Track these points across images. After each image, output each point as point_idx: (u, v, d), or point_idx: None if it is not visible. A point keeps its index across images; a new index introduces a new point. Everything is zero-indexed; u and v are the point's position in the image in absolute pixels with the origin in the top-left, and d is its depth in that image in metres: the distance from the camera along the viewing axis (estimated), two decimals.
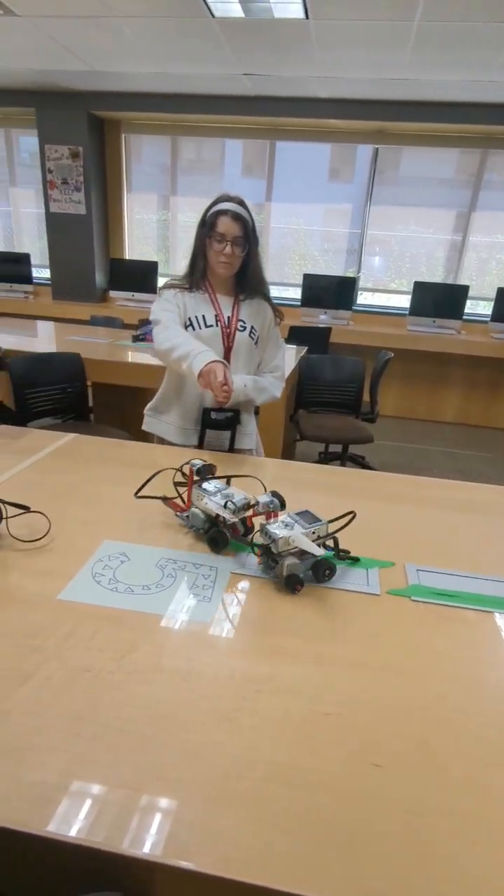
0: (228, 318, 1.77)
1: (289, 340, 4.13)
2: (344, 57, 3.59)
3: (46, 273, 5.74)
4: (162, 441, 1.88)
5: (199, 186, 5.43)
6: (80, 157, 5.12)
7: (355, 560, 1.11)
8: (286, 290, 5.47)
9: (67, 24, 3.42)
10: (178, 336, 1.66)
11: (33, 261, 5.64)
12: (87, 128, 5.05)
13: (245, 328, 1.78)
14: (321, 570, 1.03)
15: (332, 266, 5.47)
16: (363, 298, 5.49)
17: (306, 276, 5.15)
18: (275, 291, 1.91)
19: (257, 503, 1.11)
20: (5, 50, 3.99)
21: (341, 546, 1.11)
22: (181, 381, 1.82)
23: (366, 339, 4.86)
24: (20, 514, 1.15)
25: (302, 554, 1.03)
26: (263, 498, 1.11)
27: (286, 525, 1.05)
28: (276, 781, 0.63)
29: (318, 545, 1.03)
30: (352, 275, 5.36)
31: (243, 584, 1.02)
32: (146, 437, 1.94)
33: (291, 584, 1.00)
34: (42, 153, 5.18)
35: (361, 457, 4.06)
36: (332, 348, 4.72)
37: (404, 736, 0.71)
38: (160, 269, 5.39)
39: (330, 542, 1.10)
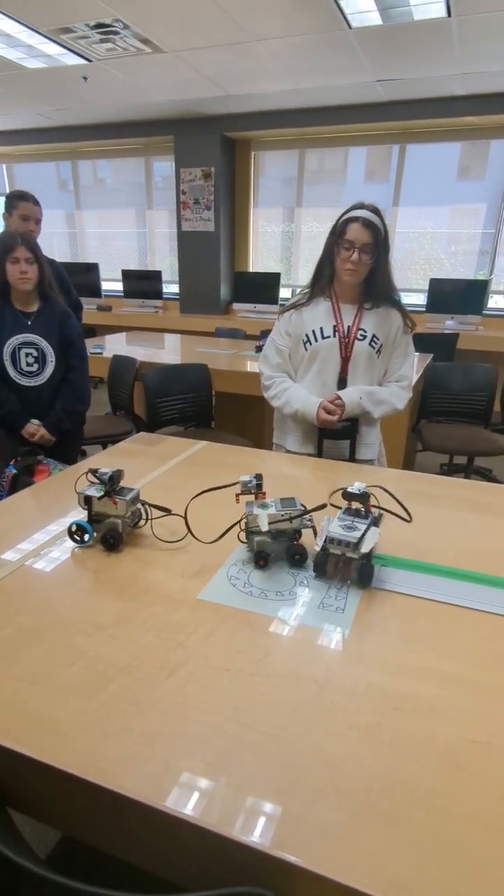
0: (349, 327, 1.76)
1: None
2: (487, 50, 3.43)
3: (174, 288, 6.10)
4: (284, 450, 1.91)
5: (323, 196, 5.47)
6: (212, 178, 5.39)
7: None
8: (409, 296, 5.31)
9: (208, 53, 3.63)
10: (285, 392, 1.83)
11: (164, 277, 6.03)
12: (219, 149, 5.31)
13: (365, 337, 1.76)
14: (291, 553, 1.10)
15: (460, 269, 5.21)
16: (494, 302, 5.16)
17: (432, 281, 4.96)
18: None
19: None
20: (152, 85, 4.33)
21: (455, 562, 1.06)
22: None
23: (497, 345, 4.57)
24: (162, 517, 1.23)
25: (277, 535, 1.10)
26: (243, 478, 1.15)
27: (263, 506, 1.10)
28: (420, 805, 0.61)
29: (294, 530, 1.10)
30: (483, 277, 5.07)
31: (378, 598, 1.00)
32: (263, 444, 1.99)
33: (256, 559, 1.08)
34: (177, 176, 5.53)
35: (489, 470, 3.81)
36: (460, 355, 4.49)
37: None
38: (282, 280, 5.50)
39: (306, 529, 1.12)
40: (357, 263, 1.66)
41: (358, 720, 0.73)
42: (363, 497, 1.07)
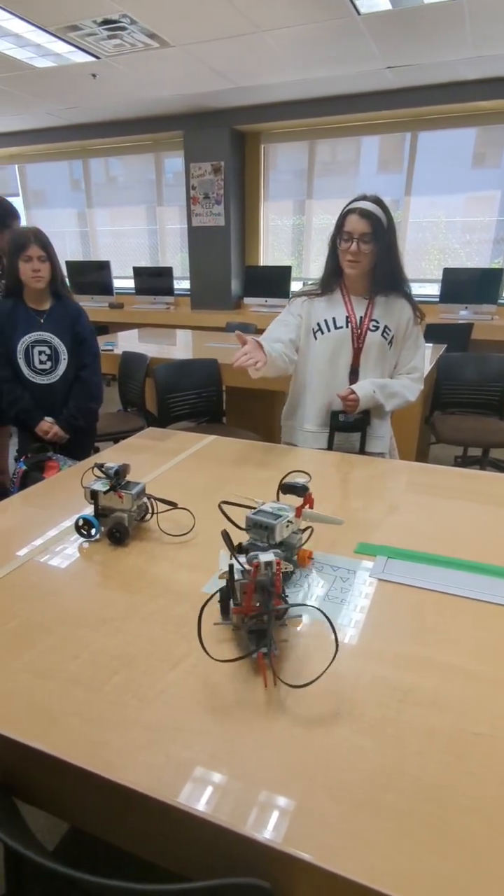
0: (361, 318, 1.74)
1: (426, 339, 3.94)
2: (500, 32, 3.35)
3: (186, 284, 6.10)
4: (293, 445, 1.90)
5: (335, 188, 5.41)
6: (222, 172, 5.37)
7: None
8: (423, 287, 5.24)
9: (216, 46, 3.61)
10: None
11: (175, 273, 6.03)
12: (228, 143, 5.28)
13: (378, 328, 1.74)
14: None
15: (475, 258, 5.12)
16: None
17: (446, 271, 4.88)
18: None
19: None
20: (161, 80, 4.31)
21: (462, 553, 1.03)
22: (307, 384, 1.83)
23: None
24: (168, 511, 1.23)
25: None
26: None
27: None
28: (423, 798, 0.61)
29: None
30: (497, 266, 4.98)
31: (384, 589, 1.00)
32: (274, 439, 1.98)
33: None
34: (187, 171, 5.51)
35: None
36: (474, 345, 4.42)
37: None
38: (293, 274, 5.46)
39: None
40: (356, 254, 1.65)
41: (363, 713, 0.72)
42: (302, 489, 1.04)
